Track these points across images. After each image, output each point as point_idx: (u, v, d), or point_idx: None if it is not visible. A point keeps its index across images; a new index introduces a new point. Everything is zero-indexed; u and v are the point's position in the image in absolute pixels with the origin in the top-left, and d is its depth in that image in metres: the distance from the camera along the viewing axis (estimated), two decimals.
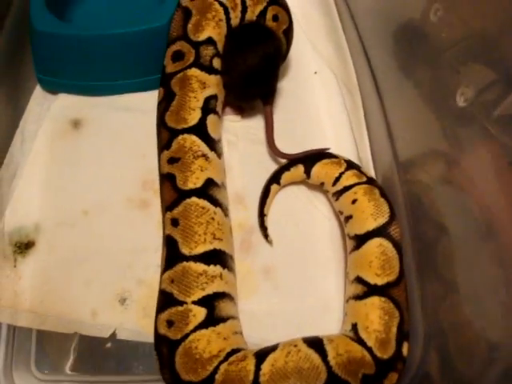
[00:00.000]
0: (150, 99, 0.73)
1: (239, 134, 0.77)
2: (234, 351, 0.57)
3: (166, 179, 0.65)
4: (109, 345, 0.66)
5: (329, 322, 0.65)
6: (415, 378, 0.61)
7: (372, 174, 0.73)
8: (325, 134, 0.78)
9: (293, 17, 0.78)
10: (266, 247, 0.70)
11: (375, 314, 0.60)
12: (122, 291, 0.65)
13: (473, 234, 0.59)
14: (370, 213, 0.65)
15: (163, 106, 0.68)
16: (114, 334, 0.63)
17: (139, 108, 0.75)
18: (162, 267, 0.62)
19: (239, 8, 0.72)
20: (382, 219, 0.65)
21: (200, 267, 0.59)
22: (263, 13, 0.73)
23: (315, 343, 0.57)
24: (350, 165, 0.71)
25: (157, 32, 0.72)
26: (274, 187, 0.71)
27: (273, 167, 0.73)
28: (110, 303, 0.65)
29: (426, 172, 0.69)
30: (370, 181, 0.69)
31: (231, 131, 0.77)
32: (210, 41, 0.70)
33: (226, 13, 0.71)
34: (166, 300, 0.59)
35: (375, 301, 0.61)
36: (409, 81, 0.73)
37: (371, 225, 0.65)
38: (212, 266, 0.60)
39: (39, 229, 0.68)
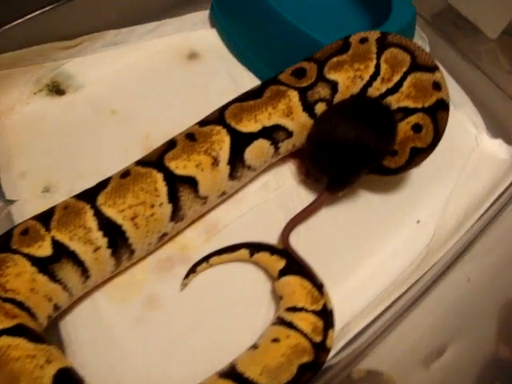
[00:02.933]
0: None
1: (281, 189, 0.65)
2: None
3: (171, 143, 0.57)
4: None
5: None
6: None
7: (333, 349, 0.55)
8: (359, 272, 0.62)
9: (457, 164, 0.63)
10: (175, 286, 0.58)
11: None
12: (54, 183, 0.62)
13: None
14: (266, 363, 0.49)
15: (241, 97, 0.61)
16: (11, 201, 0.61)
17: (241, 85, 0.70)
18: None
19: (390, 85, 0.59)
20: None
21: (91, 222, 0.52)
22: (409, 111, 0.59)
23: None
24: (325, 315, 0.54)
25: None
26: (243, 252, 0.58)
27: (272, 240, 0.60)
28: (37, 184, 0.63)
29: None
30: (320, 347, 0.52)
31: (279, 178, 0.66)
32: (333, 84, 0.59)
33: (373, 77, 0.59)
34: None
35: None
36: None
37: (251, 374, 0.49)
38: (100, 233, 0.52)
39: (80, 87, 0.69)
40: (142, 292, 0.57)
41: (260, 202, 0.64)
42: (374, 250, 0.63)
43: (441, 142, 0.61)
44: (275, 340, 0.52)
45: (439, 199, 0.68)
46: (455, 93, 0.76)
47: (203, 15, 0.77)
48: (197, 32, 0.75)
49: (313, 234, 0.62)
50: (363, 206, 0.65)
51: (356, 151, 0.57)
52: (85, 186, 0.55)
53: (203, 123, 0.59)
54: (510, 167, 0.70)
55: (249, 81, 0.72)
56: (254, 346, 0.53)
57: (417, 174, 0.68)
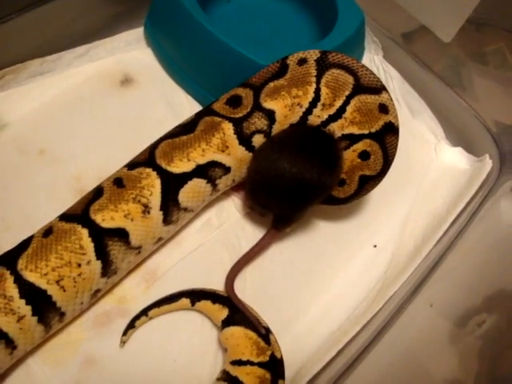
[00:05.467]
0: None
1: (225, 225, 0.61)
2: None
3: (98, 191, 0.53)
4: None
5: None
6: None
7: None
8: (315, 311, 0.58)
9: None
10: (114, 343, 0.54)
11: None
12: None
13: None
14: None
15: (174, 131, 0.57)
16: None
17: (179, 111, 0.66)
18: None
19: (332, 111, 0.55)
20: None
21: (12, 290, 0.47)
22: (355, 138, 0.55)
23: None
24: (272, 365, 0.51)
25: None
26: (184, 301, 0.55)
27: (218, 283, 0.57)
28: None
29: None
30: None
31: (222, 214, 0.62)
32: (270, 115, 0.55)
33: (313, 104, 0.55)
34: None
35: None
36: None
37: None
38: (23, 301, 0.47)
39: (5, 127, 0.64)
40: (79, 352, 0.54)
41: (202, 242, 0.60)
42: (328, 284, 0.60)
43: (397, 155, 0.57)
44: None
45: (397, 220, 0.64)
46: (412, 100, 0.72)
47: (137, 33, 0.71)
48: (131, 53, 0.70)
49: (261, 272, 0.59)
50: (315, 236, 0.62)
51: (298, 188, 0.53)
52: (12, 239, 0.51)
53: (132, 165, 0.54)
54: (470, 178, 0.66)
55: (188, 105, 0.67)
56: None
57: (372, 193, 0.63)
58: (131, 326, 0.54)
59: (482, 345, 0.55)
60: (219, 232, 0.60)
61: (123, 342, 0.54)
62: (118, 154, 0.58)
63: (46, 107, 0.65)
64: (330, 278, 0.60)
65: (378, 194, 0.63)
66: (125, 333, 0.54)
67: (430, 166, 0.68)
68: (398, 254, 0.62)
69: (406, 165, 0.67)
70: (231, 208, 0.62)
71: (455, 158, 0.68)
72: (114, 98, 0.67)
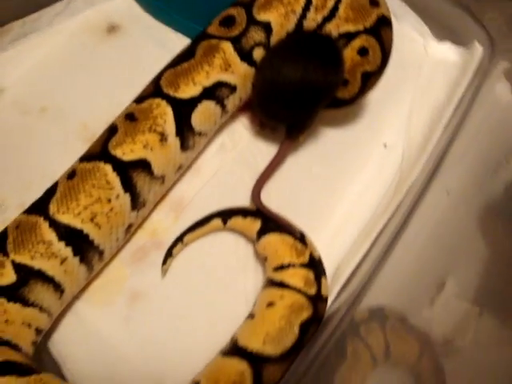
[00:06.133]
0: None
1: (239, 146, 0.62)
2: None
3: (112, 128, 0.53)
4: None
5: None
6: None
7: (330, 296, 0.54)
8: (336, 214, 0.60)
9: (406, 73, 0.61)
10: (155, 275, 0.56)
11: None
12: (1, 202, 0.58)
13: None
14: (266, 331, 0.48)
15: (174, 61, 0.57)
16: None
17: (171, 48, 0.64)
18: None
19: (325, 12, 0.55)
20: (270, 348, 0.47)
21: (49, 235, 0.48)
22: (351, 36, 0.56)
23: None
24: (313, 265, 0.53)
25: None
26: (215, 222, 0.56)
27: (243, 202, 0.58)
28: None
29: None
30: (317, 298, 0.51)
31: (234, 136, 0.62)
32: (266, 26, 0.55)
33: (306, 8, 0.55)
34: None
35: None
36: None
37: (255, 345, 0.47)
38: (62, 243, 0.48)
39: (2, 91, 0.63)
40: (123, 289, 0.55)
41: (220, 165, 0.61)
42: (347, 186, 0.61)
43: (390, 59, 0.59)
44: (270, 304, 0.50)
45: (401, 118, 0.66)
46: (394, 4, 0.72)
47: None
48: (111, 1, 0.69)
49: (282, 185, 0.60)
50: (326, 144, 0.63)
51: (307, 92, 0.54)
52: (35, 196, 0.51)
53: (140, 99, 0.54)
54: (462, 69, 0.68)
55: (178, 41, 0.67)
56: (251, 316, 0.51)
57: (372, 97, 0.65)
58: (169, 254, 0.55)
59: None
60: (235, 153, 0.61)
61: (165, 271, 0.55)
62: (120, 97, 0.57)
63: (37, 67, 0.64)
64: (347, 181, 0.62)
65: (378, 95, 0.64)
66: (164, 262, 0.55)
67: (423, 65, 0.69)
68: (408, 148, 0.64)
69: (399, 66, 0.68)
70: (241, 129, 0.62)
71: (445, 53, 0.70)
72: (104, 47, 0.66)
